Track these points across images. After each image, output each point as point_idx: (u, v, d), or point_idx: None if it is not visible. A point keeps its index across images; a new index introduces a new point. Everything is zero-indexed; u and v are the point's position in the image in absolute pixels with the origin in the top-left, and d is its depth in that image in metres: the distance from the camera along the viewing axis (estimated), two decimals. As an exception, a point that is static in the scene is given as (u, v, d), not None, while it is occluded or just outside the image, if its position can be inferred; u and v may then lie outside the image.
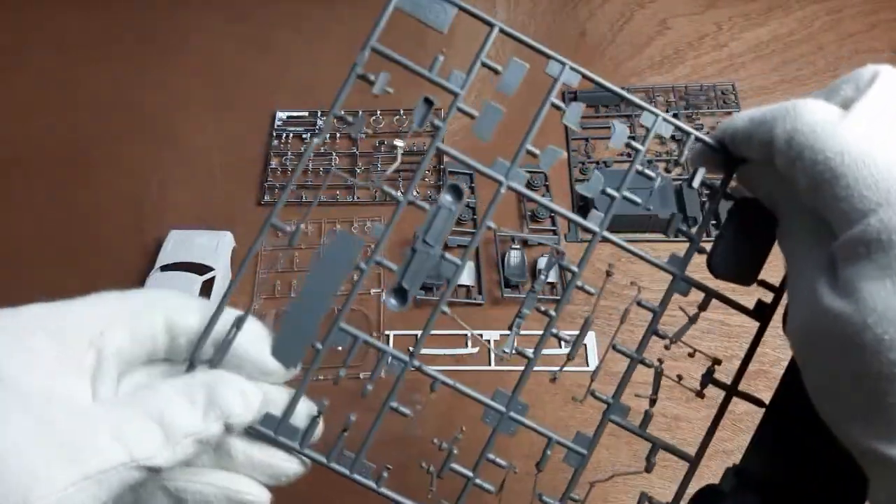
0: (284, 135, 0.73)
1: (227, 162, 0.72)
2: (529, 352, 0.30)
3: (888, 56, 0.78)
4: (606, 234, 0.29)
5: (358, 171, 0.70)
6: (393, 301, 0.29)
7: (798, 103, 0.23)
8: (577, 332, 0.30)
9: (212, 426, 0.25)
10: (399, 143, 0.71)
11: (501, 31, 0.28)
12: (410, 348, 0.30)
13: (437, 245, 0.28)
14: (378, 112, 0.73)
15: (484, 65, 0.28)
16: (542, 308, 0.30)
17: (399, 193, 0.29)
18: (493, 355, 0.59)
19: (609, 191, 0.29)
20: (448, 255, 0.29)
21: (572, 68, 0.28)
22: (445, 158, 0.69)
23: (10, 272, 0.66)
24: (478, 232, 0.29)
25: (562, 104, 0.28)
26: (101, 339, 0.24)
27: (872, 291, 0.20)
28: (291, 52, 0.80)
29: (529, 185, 0.65)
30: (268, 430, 0.28)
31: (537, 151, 0.28)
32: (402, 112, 0.73)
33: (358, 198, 0.69)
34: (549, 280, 0.61)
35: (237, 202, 0.69)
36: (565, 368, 0.32)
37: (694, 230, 0.30)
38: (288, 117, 0.74)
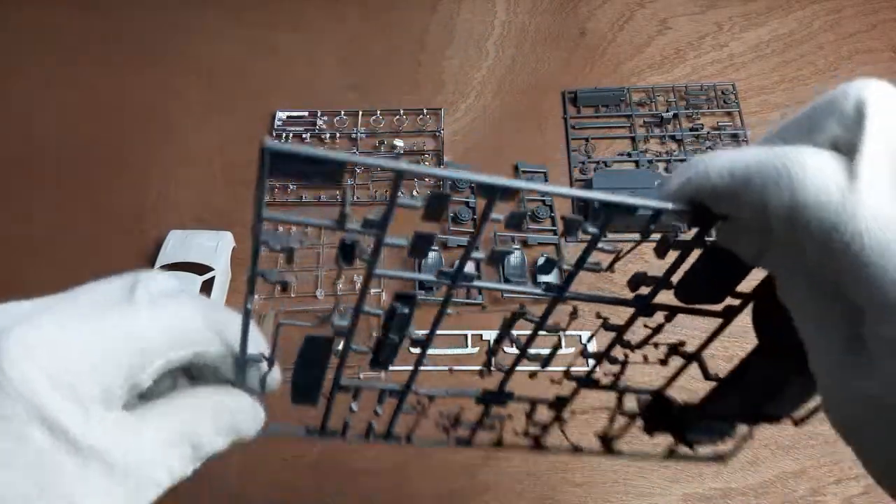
0: (284, 135, 0.73)
1: (227, 162, 0.72)
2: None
3: (888, 56, 0.78)
4: (569, 293, 0.27)
5: (358, 171, 0.70)
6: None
7: (792, 164, 0.19)
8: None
9: (226, 445, 0.27)
10: (399, 142, 0.72)
11: (406, 171, 0.23)
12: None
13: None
14: (378, 112, 0.73)
15: (400, 205, 0.24)
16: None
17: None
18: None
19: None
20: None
21: (506, 186, 0.24)
22: (446, 158, 0.69)
23: (10, 272, 0.66)
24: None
25: (500, 217, 0.26)
26: (138, 375, 0.24)
27: None
28: (291, 53, 0.80)
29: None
30: None
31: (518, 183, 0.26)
32: (402, 112, 0.73)
33: (357, 198, 0.69)
34: (547, 280, 0.61)
35: (237, 202, 0.69)
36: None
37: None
38: (288, 117, 0.74)
